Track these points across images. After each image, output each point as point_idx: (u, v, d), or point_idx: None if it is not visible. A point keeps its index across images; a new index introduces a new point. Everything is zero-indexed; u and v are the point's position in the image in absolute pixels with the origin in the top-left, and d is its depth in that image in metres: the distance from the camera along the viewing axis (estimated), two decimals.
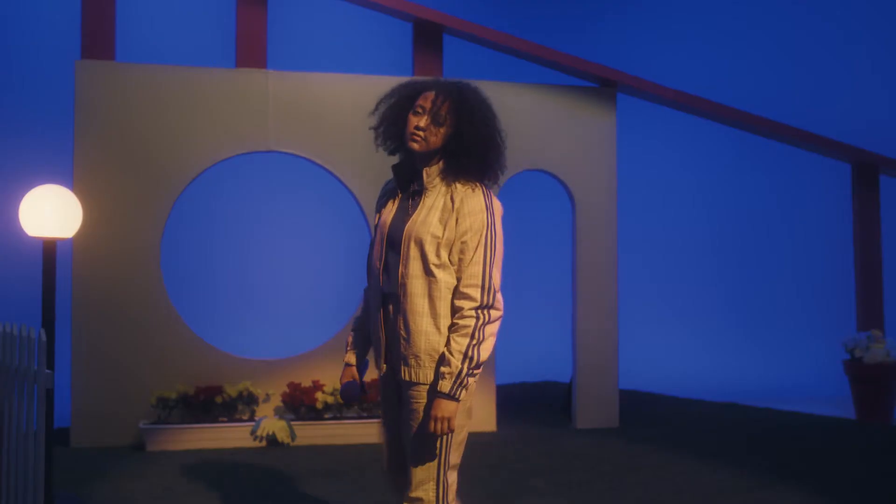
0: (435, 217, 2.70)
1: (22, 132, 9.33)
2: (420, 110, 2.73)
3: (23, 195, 4.76)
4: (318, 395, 6.37)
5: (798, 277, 11.27)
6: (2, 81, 9.50)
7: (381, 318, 2.82)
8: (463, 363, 2.61)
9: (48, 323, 4.58)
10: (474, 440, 6.21)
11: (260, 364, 6.56)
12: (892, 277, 8.38)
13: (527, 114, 7.06)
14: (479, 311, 2.64)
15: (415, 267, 2.71)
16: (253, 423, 6.21)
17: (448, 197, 2.73)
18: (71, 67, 6.43)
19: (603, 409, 7.04)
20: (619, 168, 7.32)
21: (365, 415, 6.44)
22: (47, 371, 3.74)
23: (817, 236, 10.95)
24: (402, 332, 2.73)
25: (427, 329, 2.69)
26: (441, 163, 2.76)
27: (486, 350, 2.65)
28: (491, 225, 2.69)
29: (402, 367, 2.74)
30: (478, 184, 2.76)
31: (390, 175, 2.90)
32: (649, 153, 11.47)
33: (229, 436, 6.16)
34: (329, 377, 6.53)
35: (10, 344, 4.10)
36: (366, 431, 6.30)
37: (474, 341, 2.63)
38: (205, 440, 6.10)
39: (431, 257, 2.68)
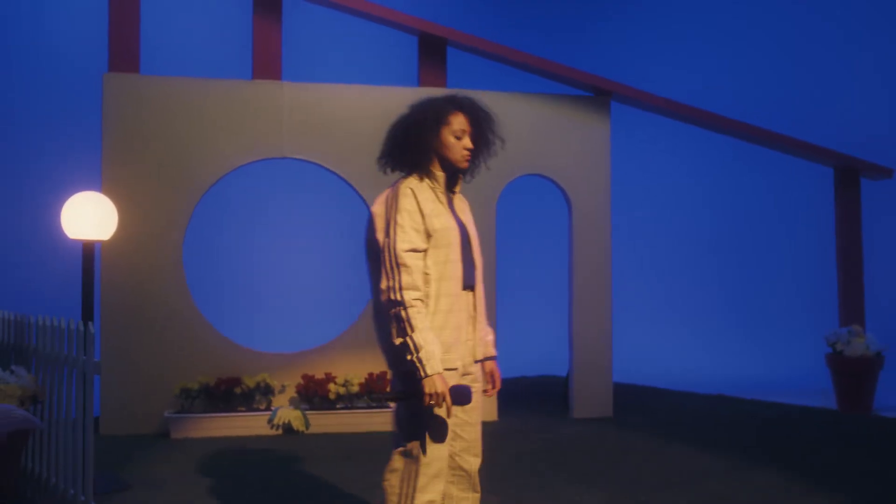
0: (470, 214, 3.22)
1: (53, 140, 9.68)
2: (461, 134, 3.05)
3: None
4: (331, 386, 6.74)
5: (783, 276, 11.59)
6: (34, 93, 9.83)
7: (471, 313, 3.08)
8: None
9: (87, 317, 4.98)
10: None
11: (276, 357, 6.93)
12: (873, 275, 8.68)
13: (526, 121, 7.43)
14: None
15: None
16: (270, 413, 6.58)
17: (460, 196, 3.21)
18: (99, 80, 6.81)
19: (598, 400, 7.41)
20: (613, 172, 7.68)
21: (374, 405, 6.82)
22: (96, 360, 4.14)
23: (801, 237, 11.26)
24: (488, 324, 3.17)
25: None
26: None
27: None
28: None
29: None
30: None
31: (398, 178, 3.12)
32: (643, 158, 11.83)
33: (248, 424, 6.54)
34: (340, 370, 6.91)
35: (58, 336, 4.51)
36: (375, 420, 6.67)
37: None
38: (225, 428, 6.48)
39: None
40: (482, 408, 3.22)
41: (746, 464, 5.53)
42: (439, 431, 2.94)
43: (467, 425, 3.09)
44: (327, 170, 7.14)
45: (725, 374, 9.93)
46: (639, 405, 7.91)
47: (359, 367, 6.94)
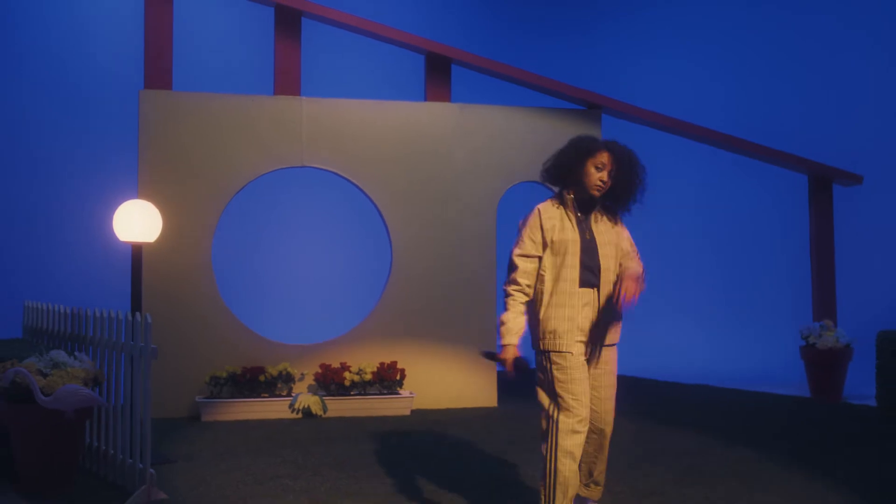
0: (615, 233, 3.91)
1: (91, 151, 10.34)
2: (602, 167, 3.80)
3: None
4: (346, 374, 7.40)
5: (762, 275, 12.25)
6: (75, 108, 10.50)
7: (595, 306, 3.84)
8: None
9: (136, 309, 5.64)
10: (479, 413, 7.32)
11: (296, 348, 7.58)
12: (844, 274, 9.31)
13: (523, 132, 8.06)
14: None
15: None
16: (291, 398, 7.24)
17: (606, 219, 3.92)
18: (135, 96, 7.47)
19: None
20: None
21: (385, 391, 7.48)
22: (153, 346, 4.79)
23: (778, 239, 11.92)
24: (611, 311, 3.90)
25: None
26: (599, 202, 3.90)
27: None
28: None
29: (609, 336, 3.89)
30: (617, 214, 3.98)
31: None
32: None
33: (271, 408, 7.19)
34: (354, 360, 7.57)
35: (115, 326, 5.16)
36: (386, 405, 7.34)
37: None
38: (250, 412, 7.14)
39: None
40: (613, 386, 4.00)
41: (722, 442, 6.20)
42: (557, 394, 3.75)
43: (595, 399, 3.91)
44: (342, 177, 7.80)
45: (709, 366, 10.57)
46: (628, 393, 8.53)
47: (371, 357, 7.60)
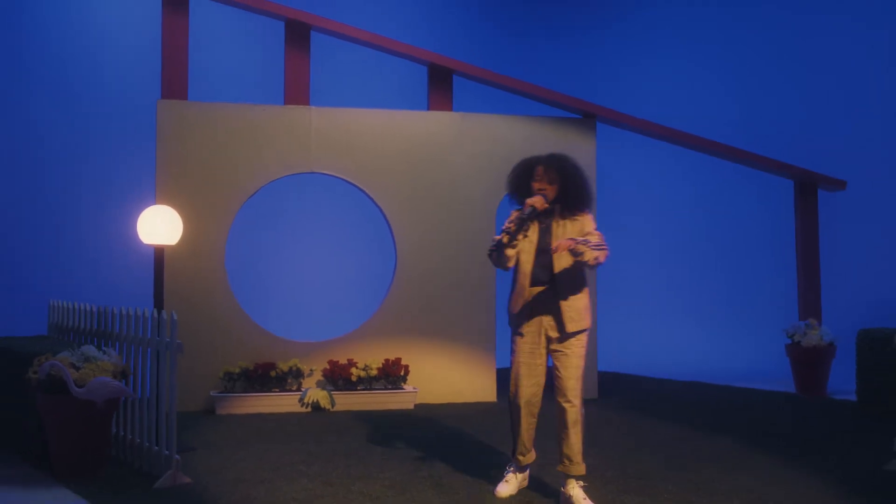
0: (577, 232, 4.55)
1: (111, 158, 10.73)
2: (538, 178, 4.57)
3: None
4: (353, 370, 7.76)
5: (750, 277, 12.63)
6: (95, 117, 10.89)
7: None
8: None
9: (158, 308, 6.01)
10: (479, 407, 7.69)
11: (305, 346, 7.94)
12: (828, 276, 9.67)
13: (521, 140, 8.41)
14: None
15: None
16: (300, 393, 7.59)
17: (568, 224, 4.58)
18: (153, 105, 7.84)
19: (584, 383, 8.41)
20: (602, 182, 8.66)
21: (390, 386, 7.85)
22: (178, 341, 5.17)
23: (766, 242, 12.30)
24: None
25: None
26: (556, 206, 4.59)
27: None
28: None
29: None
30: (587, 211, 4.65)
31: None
32: (629, 170, 12.93)
33: (282, 402, 7.54)
34: (361, 356, 7.93)
35: (141, 323, 5.53)
36: (390, 400, 7.71)
37: None
38: (262, 406, 7.49)
39: None
40: (574, 366, 4.74)
41: (708, 433, 6.59)
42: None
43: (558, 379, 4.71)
44: (349, 183, 8.18)
45: (699, 364, 10.92)
46: (620, 389, 8.98)
47: (376, 354, 7.97)
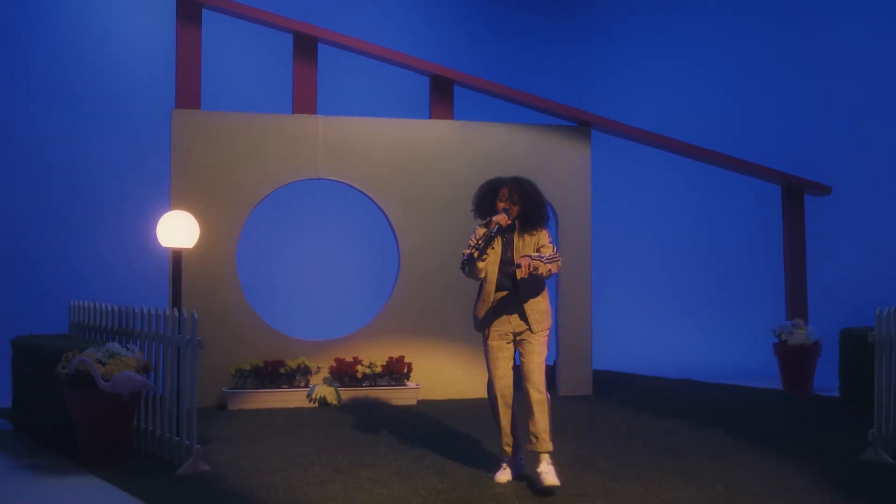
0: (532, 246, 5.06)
1: (124, 165, 11.08)
2: (503, 197, 5.06)
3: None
4: (358, 367, 8.09)
5: (740, 278, 12.98)
6: (112, 125, 11.25)
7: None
8: None
9: (175, 307, 6.34)
10: (479, 403, 8.04)
11: (313, 344, 8.27)
12: (814, 277, 9.99)
13: (519, 147, 8.77)
14: None
15: None
16: (308, 389, 7.92)
17: (527, 238, 5.08)
18: (167, 115, 8.17)
19: (579, 380, 8.79)
20: (594, 188, 9.00)
21: (394, 383, 8.18)
22: (199, 338, 5.51)
23: (754, 244, 12.67)
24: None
25: None
26: (517, 222, 5.08)
27: None
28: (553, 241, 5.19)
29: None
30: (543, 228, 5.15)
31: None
32: (624, 175, 13.29)
33: (290, 398, 7.87)
34: (366, 354, 8.25)
35: (161, 322, 5.87)
36: (394, 396, 8.05)
37: None
38: (271, 401, 7.81)
39: None
40: (537, 353, 5.12)
41: (696, 426, 6.94)
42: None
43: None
44: (355, 188, 8.52)
45: (691, 363, 11.24)
46: (614, 386, 9.31)
47: (381, 352, 8.31)
